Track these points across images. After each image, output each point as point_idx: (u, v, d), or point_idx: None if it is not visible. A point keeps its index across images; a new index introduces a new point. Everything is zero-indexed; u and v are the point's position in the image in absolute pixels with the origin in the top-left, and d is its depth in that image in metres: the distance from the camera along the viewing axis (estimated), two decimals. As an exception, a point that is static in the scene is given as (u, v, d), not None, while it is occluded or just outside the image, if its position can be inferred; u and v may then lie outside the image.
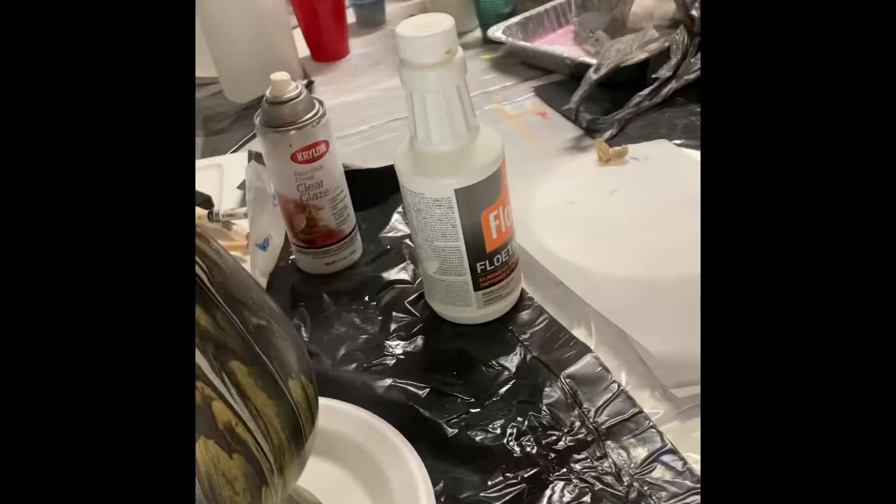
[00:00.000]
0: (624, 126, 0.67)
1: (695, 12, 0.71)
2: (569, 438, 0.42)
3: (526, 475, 0.40)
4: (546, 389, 0.45)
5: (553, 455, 0.41)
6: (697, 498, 0.38)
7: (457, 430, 0.43)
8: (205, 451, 0.28)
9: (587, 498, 0.39)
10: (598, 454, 0.41)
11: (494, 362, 0.47)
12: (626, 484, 0.39)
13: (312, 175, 0.52)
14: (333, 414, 0.42)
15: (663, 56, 0.71)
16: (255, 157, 0.71)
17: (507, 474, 0.40)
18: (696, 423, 0.41)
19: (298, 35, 0.89)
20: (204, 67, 0.87)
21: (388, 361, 0.49)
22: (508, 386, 0.45)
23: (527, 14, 0.85)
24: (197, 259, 0.29)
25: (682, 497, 0.38)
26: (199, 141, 0.77)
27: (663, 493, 0.38)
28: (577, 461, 0.41)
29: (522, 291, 0.51)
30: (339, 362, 0.49)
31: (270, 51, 0.83)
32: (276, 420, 0.30)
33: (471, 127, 0.45)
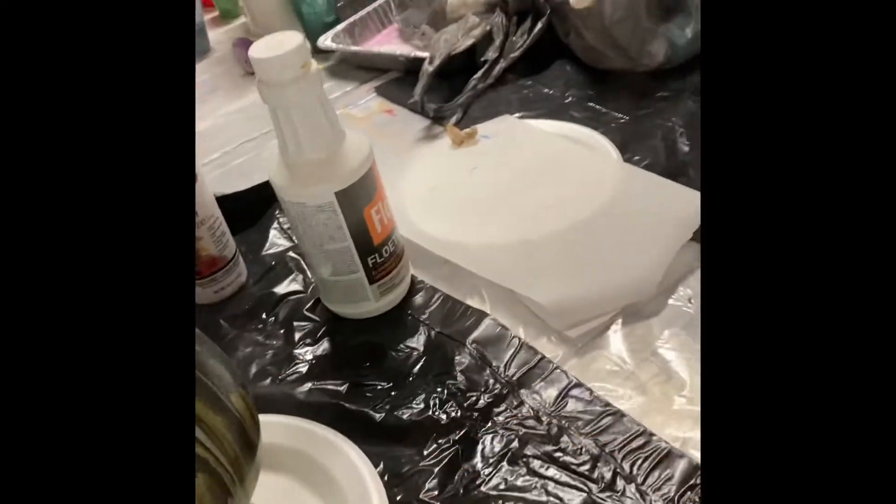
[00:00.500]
0: (467, 109, 0.71)
1: (507, -6, 0.77)
2: (486, 396, 0.45)
3: (456, 437, 0.43)
4: (456, 358, 0.48)
5: (476, 414, 0.44)
6: (609, 419, 0.42)
7: (383, 414, 0.46)
8: (169, 476, 0.29)
9: (515, 443, 0.42)
10: (515, 403, 0.45)
11: (402, 346, 0.50)
12: (545, 423, 0.43)
13: (186, 207, 0.53)
14: (265, 427, 0.43)
15: (487, 39, 0.76)
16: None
17: (440, 440, 0.43)
18: (592, 356, 0.46)
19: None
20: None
21: (301, 369, 0.50)
22: (420, 364, 0.49)
23: (350, 20, 0.88)
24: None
25: (595, 422, 0.43)
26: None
27: (579, 422, 0.43)
28: (499, 414, 0.44)
29: (413, 277, 0.55)
30: (254, 380, 0.50)
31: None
32: (228, 434, 0.32)
33: (337, 132, 0.47)
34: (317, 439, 0.43)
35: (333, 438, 0.43)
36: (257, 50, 0.44)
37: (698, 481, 0.38)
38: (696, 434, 0.41)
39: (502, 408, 0.45)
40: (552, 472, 0.41)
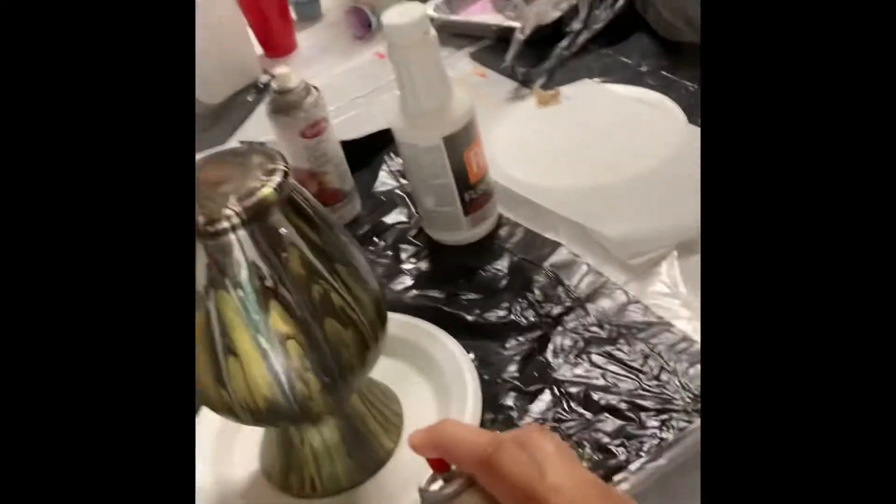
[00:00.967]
0: (552, 74, 0.81)
1: (593, -28, 0.86)
2: (559, 307, 0.56)
3: (533, 336, 0.54)
4: (534, 278, 0.58)
5: (550, 320, 0.55)
6: (659, 328, 0.52)
7: (474, 317, 0.56)
8: (329, 326, 0.41)
9: (581, 343, 0.53)
10: (583, 314, 0.55)
11: (490, 267, 0.61)
12: (606, 329, 0.53)
13: (318, 147, 0.64)
14: (381, 320, 0.55)
15: (573, 11, 0.85)
16: (247, 145, 0.83)
17: (519, 338, 0.54)
18: (649, 280, 0.56)
19: (251, 35, 1.00)
20: (173, 76, 0.97)
21: (407, 281, 0.62)
22: (505, 281, 0.59)
23: (449, -9, 0.98)
24: (307, 200, 0.41)
25: (647, 329, 0.52)
26: (187, 140, 0.88)
27: (634, 330, 0.53)
28: (568, 321, 0.55)
29: (500, 214, 0.65)
30: (369, 289, 0.62)
31: (231, 53, 0.93)
32: (370, 304, 0.43)
33: (447, 87, 0.58)
34: (421, 331, 0.54)
35: (435, 331, 0.54)
36: (389, 17, 0.55)
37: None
38: (729, 341, 0.50)
39: (571, 317, 0.55)
40: (611, 366, 0.51)
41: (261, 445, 0.50)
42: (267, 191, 0.38)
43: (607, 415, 0.48)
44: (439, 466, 0.33)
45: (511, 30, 0.84)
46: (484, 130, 0.65)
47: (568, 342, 0.53)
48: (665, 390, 0.48)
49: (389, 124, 0.60)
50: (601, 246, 0.59)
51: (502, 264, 0.61)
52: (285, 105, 0.63)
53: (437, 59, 0.56)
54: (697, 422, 0.46)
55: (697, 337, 0.51)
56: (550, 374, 0.51)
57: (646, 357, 0.51)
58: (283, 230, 0.39)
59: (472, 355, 0.53)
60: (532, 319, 0.55)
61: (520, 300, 0.57)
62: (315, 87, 0.64)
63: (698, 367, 0.49)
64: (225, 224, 0.37)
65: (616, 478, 0.45)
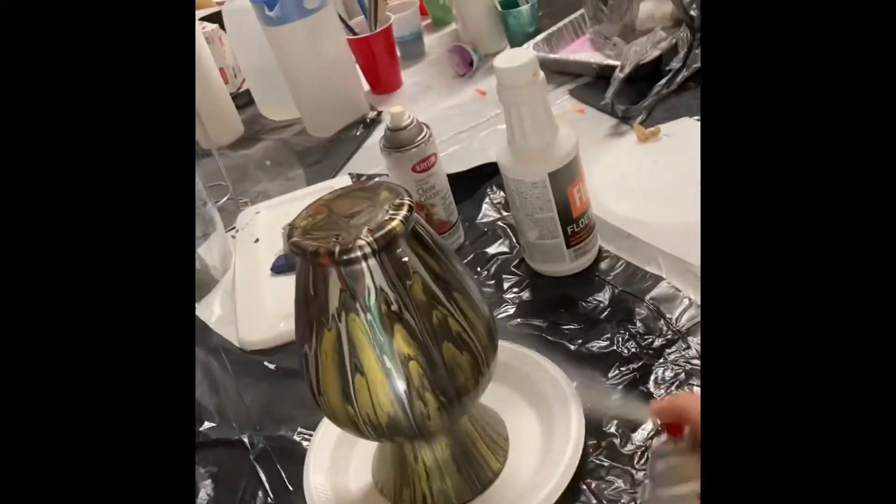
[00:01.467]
0: (651, 111, 0.83)
1: (693, 12, 0.87)
2: (660, 339, 0.57)
3: (634, 367, 0.56)
4: (636, 310, 0.60)
5: (651, 352, 0.56)
6: (761, 363, 0.53)
7: (576, 346, 0.59)
8: (447, 350, 0.44)
9: (682, 374, 0.54)
10: (684, 346, 0.56)
11: (591, 299, 0.63)
12: (707, 362, 0.55)
13: (427, 180, 0.68)
14: (486, 346, 0.58)
15: (672, 51, 0.87)
16: (355, 177, 0.88)
17: (621, 368, 0.56)
18: (750, 315, 0.57)
19: (360, 73, 1.06)
20: (288, 111, 1.03)
21: (510, 310, 0.64)
22: (606, 313, 0.61)
23: (549, 31, 1.01)
24: (428, 232, 0.44)
25: (749, 364, 0.53)
26: (300, 172, 0.94)
27: (736, 363, 0.54)
28: (670, 354, 0.56)
29: (600, 247, 0.67)
30: (473, 316, 0.65)
31: (341, 90, 0.99)
32: (482, 329, 0.46)
33: (553, 126, 0.61)
34: (526, 359, 0.57)
35: (539, 359, 0.57)
36: (500, 61, 0.58)
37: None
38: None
39: (673, 349, 0.56)
40: (711, 398, 0.52)
41: (375, 460, 0.53)
42: (395, 223, 0.41)
43: (709, 446, 0.49)
44: (673, 431, 0.40)
45: (611, 68, 0.87)
46: (585, 165, 0.68)
47: (669, 374, 0.54)
48: (768, 424, 0.49)
49: (496, 159, 0.63)
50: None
51: (603, 296, 0.63)
52: (398, 141, 0.67)
53: (545, 100, 0.59)
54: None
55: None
56: (652, 403, 0.53)
57: (748, 391, 0.52)
58: (407, 259, 0.42)
59: (575, 383, 0.55)
60: (633, 350, 0.57)
61: (621, 331, 0.59)
62: (426, 125, 0.68)
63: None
64: (358, 253, 0.41)
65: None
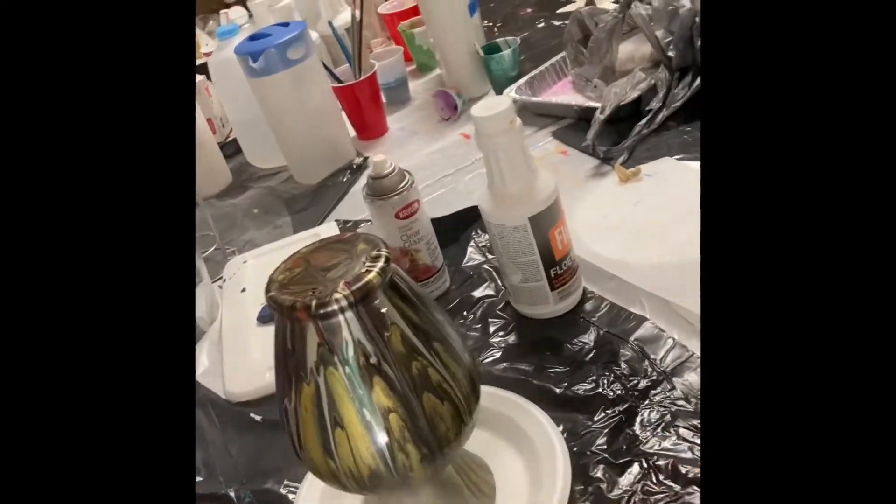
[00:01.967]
0: (632, 151, 0.83)
1: (670, 52, 0.89)
2: (645, 381, 0.57)
3: (620, 409, 0.55)
4: (620, 351, 0.60)
5: (636, 393, 0.56)
6: (745, 402, 0.53)
7: (562, 389, 0.58)
8: (427, 400, 0.44)
9: (668, 416, 0.54)
10: (669, 387, 0.56)
11: (576, 341, 0.63)
12: (693, 403, 0.54)
13: (411, 226, 0.69)
14: (472, 392, 0.58)
15: (652, 91, 0.88)
16: (342, 223, 0.88)
17: (607, 410, 0.56)
18: (734, 354, 0.57)
19: (345, 120, 1.07)
20: (275, 159, 1.04)
21: (496, 353, 0.64)
22: (591, 355, 0.61)
23: (531, 74, 1.02)
24: (406, 282, 0.45)
25: (734, 404, 0.53)
26: (288, 220, 0.94)
27: (721, 404, 0.54)
28: (655, 395, 0.56)
29: (584, 288, 0.67)
30: (459, 361, 0.65)
31: (327, 138, 1.00)
32: (463, 379, 0.46)
33: (532, 170, 0.61)
34: (511, 404, 0.57)
35: (524, 404, 0.56)
36: (477, 110, 0.59)
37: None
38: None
39: (658, 390, 0.56)
40: (698, 439, 0.52)
41: (361, 512, 0.53)
42: (372, 275, 0.42)
43: (696, 487, 0.49)
44: None
45: (592, 109, 0.88)
46: (567, 206, 0.68)
47: (655, 415, 0.54)
48: (754, 465, 0.49)
49: (478, 204, 0.64)
50: (686, 320, 0.61)
51: (588, 338, 0.63)
52: (380, 189, 0.67)
53: (523, 146, 0.60)
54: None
55: (786, 411, 0.51)
56: (638, 446, 0.53)
57: (734, 431, 0.51)
58: (385, 311, 0.43)
59: (560, 427, 0.55)
60: (619, 392, 0.57)
61: (606, 373, 0.59)
62: (408, 172, 0.69)
63: (787, 442, 0.50)
64: (334, 306, 0.41)
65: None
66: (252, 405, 0.67)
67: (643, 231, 0.71)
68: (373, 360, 0.42)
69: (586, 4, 1.29)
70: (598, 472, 0.51)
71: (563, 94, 1.01)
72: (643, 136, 0.85)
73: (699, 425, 0.52)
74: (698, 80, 0.86)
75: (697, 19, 0.86)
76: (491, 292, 0.71)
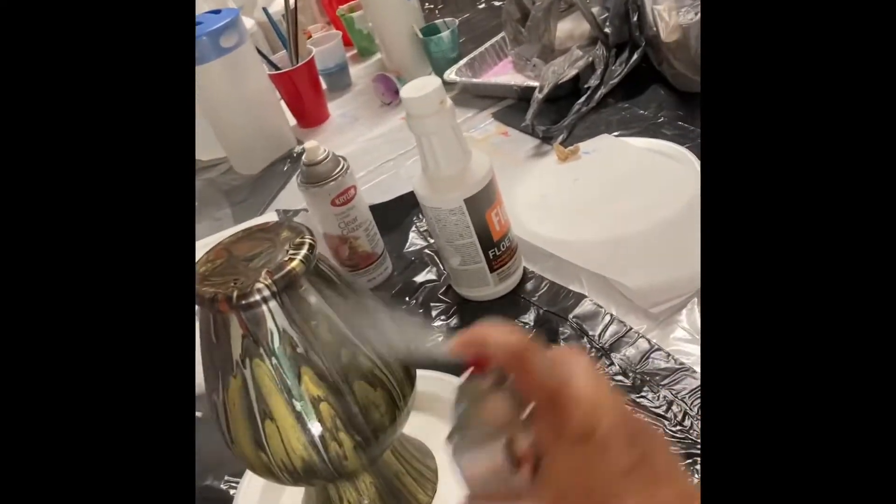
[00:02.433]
0: (571, 130, 0.83)
1: (607, 29, 0.89)
2: (584, 358, 0.57)
3: (560, 388, 0.56)
4: (560, 329, 0.60)
5: (576, 371, 0.56)
6: (682, 374, 0.53)
7: (503, 371, 0.58)
8: (359, 388, 0.43)
9: (606, 392, 0.54)
10: (607, 363, 0.56)
11: (517, 321, 0.63)
12: (630, 377, 0.55)
13: (348, 213, 0.68)
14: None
15: (590, 69, 0.88)
16: (283, 213, 0.87)
17: (547, 390, 0.56)
18: (671, 328, 0.57)
19: (285, 108, 1.05)
20: (212, 150, 1.02)
21: (438, 338, 0.64)
22: (531, 334, 0.61)
23: (471, 55, 1.02)
24: (333, 269, 0.44)
25: (670, 376, 0.54)
26: (228, 212, 0.92)
27: (658, 377, 0.54)
28: (594, 371, 0.56)
29: (524, 268, 0.67)
30: (401, 347, 0.64)
31: (266, 126, 0.99)
32: (397, 364, 0.45)
33: (465, 152, 0.61)
34: (449, 386, 0.56)
35: (464, 386, 0.56)
36: (406, 91, 0.58)
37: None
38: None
39: (597, 367, 0.56)
40: (636, 413, 0.52)
41: (303, 502, 0.52)
42: (295, 263, 0.41)
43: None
44: (478, 368, 0.36)
45: (531, 89, 0.88)
46: (507, 187, 0.68)
47: (594, 392, 0.54)
48: (689, 435, 0.49)
49: (414, 190, 0.63)
50: (623, 296, 0.61)
51: (529, 317, 0.63)
52: (315, 176, 0.66)
53: (455, 127, 0.59)
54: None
55: (720, 382, 0.52)
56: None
57: (669, 403, 0.52)
58: (311, 299, 0.42)
59: (501, 408, 0.55)
60: (558, 371, 0.57)
61: (546, 352, 0.59)
62: (342, 158, 0.68)
63: (722, 411, 0.50)
64: (257, 297, 0.40)
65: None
66: (192, 401, 0.66)
67: (582, 209, 0.71)
68: (300, 349, 0.41)
69: (527, -16, 1.29)
70: (538, 451, 0.52)
71: (504, 74, 1.01)
72: (582, 114, 0.85)
73: (636, 399, 0.53)
74: (635, 56, 0.86)
75: (632, -5, 0.86)
76: (433, 277, 0.71)
